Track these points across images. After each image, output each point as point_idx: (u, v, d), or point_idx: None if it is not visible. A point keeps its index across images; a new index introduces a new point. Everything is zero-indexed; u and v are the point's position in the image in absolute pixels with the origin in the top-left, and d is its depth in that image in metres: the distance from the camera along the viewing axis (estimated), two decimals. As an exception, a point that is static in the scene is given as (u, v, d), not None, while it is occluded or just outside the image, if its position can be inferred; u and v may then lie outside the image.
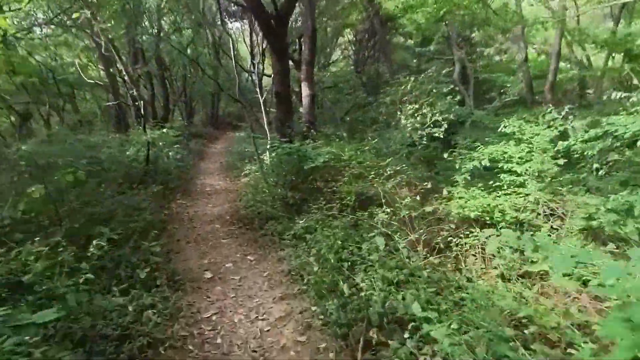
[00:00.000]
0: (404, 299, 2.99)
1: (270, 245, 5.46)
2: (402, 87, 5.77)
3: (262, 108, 9.32)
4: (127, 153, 9.98)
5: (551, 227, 3.78)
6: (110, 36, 13.12)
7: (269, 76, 15.24)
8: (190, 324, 3.63)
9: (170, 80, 17.36)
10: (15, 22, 13.17)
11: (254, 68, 12.01)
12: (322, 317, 3.41)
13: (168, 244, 5.67)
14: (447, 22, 12.99)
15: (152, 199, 7.72)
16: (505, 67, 16.36)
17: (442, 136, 5.42)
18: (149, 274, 4.19)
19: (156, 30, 13.37)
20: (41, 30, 14.58)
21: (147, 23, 13.76)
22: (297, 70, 12.87)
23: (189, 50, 15.31)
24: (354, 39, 17.86)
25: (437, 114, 5.46)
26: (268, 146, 8.33)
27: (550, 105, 6.75)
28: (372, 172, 4.73)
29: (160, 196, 8.14)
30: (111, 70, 12.99)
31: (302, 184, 6.61)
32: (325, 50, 18.25)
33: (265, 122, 9.14)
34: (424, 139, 5.53)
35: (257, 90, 10.26)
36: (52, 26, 14.00)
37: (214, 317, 3.77)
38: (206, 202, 8.40)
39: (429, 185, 4.65)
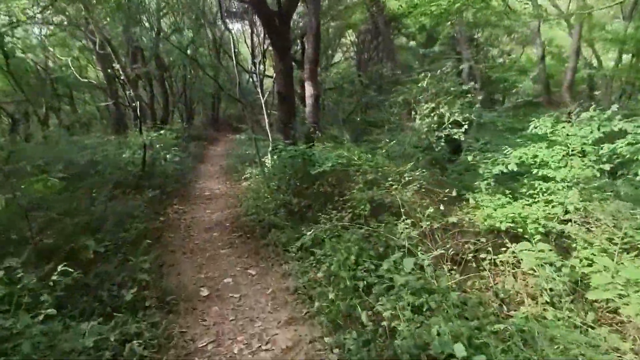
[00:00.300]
0: (438, 334, 2.42)
1: (273, 258, 4.89)
2: (419, 85, 5.19)
3: (264, 109, 8.77)
4: (124, 156, 9.43)
5: (601, 242, 3.21)
6: (108, 36, 12.60)
7: (271, 77, 14.70)
8: (182, 356, 3.06)
9: (170, 82, 16.79)
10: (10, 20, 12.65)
11: (255, 68, 11.47)
12: (337, 350, 2.84)
13: (162, 256, 5.09)
14: (453, 21, 12.48)
15: (147, 204, 7.16)
16: (508, 69, 15.86)
17: (462, 138, 4.87)
18: (137, 294, 3.62)
19: (155, 30, 12.79)
20: (40, 31, 14.05)
21: (146, 23, 13.21)
22: (300, 70, 12.33)
23: (189, 51, 14.75)
24: (356, 40, 17.34)
25: (457, 114, 4.89)
26: (270, 148, 7.79)
27: (568, 105, 6.20)
28: (390, 178, 4.14)
29: (156, 201, 7.57)
30: (109, 70, 12.46)
31: (307, 189, 6.05)
32: (327, 52, 17.71)
33: (267, 124, 8.60)
34: (442, 140, 4.96)
35: (258, 91, 9.72)
36: (51, 26, 13.48)
37: (209, 347, 3.20)
38: (204, 208, 7.82)
39: (454, 193, 4.08)
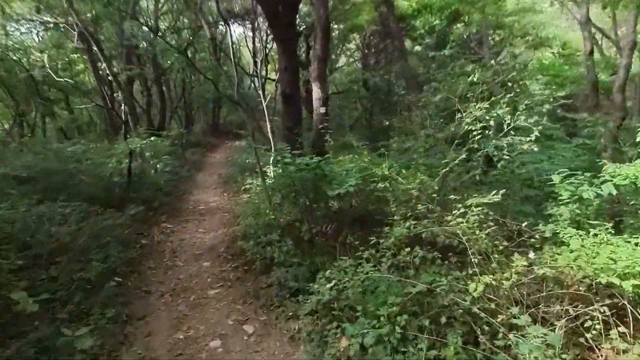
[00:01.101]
0: None
1: (277, 307, 3.51)
2: (469, 78, 3.84)
3: (265, 114, 7.43)
4: (109, 165, 8.06)
5: None
6: (102, 36, 11.26)
7: (273, 80, 13.38)
8: None
9: (168, 85, 15.41)
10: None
11: (257, 69, 10.12)
12: None
13: (130, 303, 3.70)
14: (466, 21, 11.24)
15: (129, 223, 5.79)
16: (520, 71, 14.54)
17: (536, 149, 3.52)
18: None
19: (153, 28, 11.43)
20: (37, 32, 12.73)
21: (143, 23, 11.86)
22: (304, 71, 10.98)
23: (188, 53, 13.40)
24: (361, 44, 16.03)
25: (523, 116, 3.52)
26: (272, 158, 6.46)
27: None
28: (455, 212, 2.74)
29: (140, 219, 6.20)
30: (100, 72, 11.12)
31: (317, 207, 4.68)
32: (331, 56, 16.38)
33: (269, 130, 7.26)
34: (504, 151, 3.56)
35: (260, 94, 8.40)
36: (42, 26, 12.18)
37: None
38: (197, 226, 6.46)
39: (547, 234, 2.71)
